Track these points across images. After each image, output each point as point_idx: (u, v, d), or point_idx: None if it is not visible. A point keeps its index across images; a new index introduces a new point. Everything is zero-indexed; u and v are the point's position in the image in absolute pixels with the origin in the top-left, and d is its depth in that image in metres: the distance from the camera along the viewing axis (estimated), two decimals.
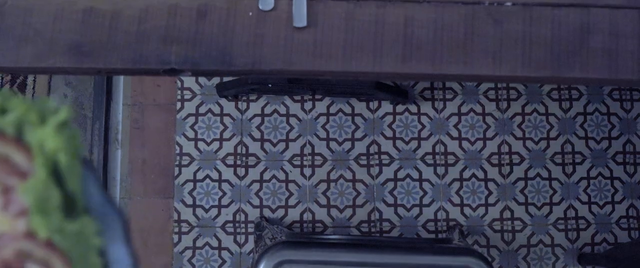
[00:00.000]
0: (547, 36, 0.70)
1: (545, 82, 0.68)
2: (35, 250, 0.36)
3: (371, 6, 0.69)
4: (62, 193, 0.36)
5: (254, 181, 1.46)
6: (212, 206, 1.45)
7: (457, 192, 1.46)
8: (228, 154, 1.46)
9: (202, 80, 1.49)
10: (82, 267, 0.36)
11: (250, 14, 0.68)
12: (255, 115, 1.47)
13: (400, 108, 1.47)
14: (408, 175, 1.46)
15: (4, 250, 0.36)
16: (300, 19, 0.68)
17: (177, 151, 1.47)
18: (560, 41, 0.70)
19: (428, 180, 1.46)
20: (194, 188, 1.46)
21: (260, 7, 0.68)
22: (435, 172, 1.46)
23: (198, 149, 1.47)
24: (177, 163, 1.46)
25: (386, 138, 1.46)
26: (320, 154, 1.45)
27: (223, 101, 1.48)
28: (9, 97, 0.36)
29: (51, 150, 0.35)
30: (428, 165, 1.46)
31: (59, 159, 0.36)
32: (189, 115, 1.48)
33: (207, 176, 1.46)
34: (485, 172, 1.46)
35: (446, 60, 0.69)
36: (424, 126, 1.47)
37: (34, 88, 1.49)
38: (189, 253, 1.44)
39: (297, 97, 1.47)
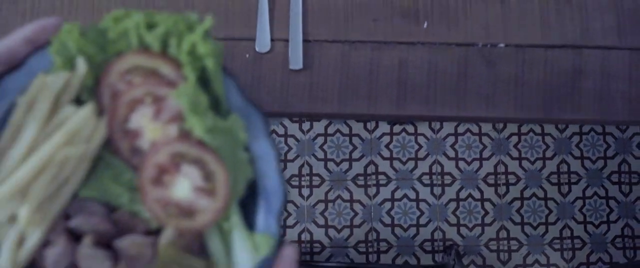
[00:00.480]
0: (540, 78, 0.71)
1: (537, 123, 0.70)
2: (188, 150, 0.38)
3: (366, 48, 0.70)
4: (209, 96, 0.39)
5: None
6: None
7: (453, 212, 1.47)
8: None
9: None
10: (231, 162, 0.39)
11: (247, 56, 0.69)
12: None
13: (397, 128, 1.48)
14: (405, 195, 1.47)
15: (158, 155, 0.38)
16: (296, 61, 0.69)
17: None
18: (553, 83, 0.71)
19: (425, 200, 1.47)
20: None
21: (257, 49, 0.69)
22: (432, 192, 1.47)
23: None
24: None
25: (383, 158, 1.47)
26: (318, 174, 1.47)
27: None
28: (154, 14, 0.39)
29: (201, 55, 0.38)
30: (425, 185, 1.47)
31: (206, 64, 0.38)
32: None
33: None
34: (481, 192, 1.47)
35: (440, 103, 0.70)
36: (420, 146, 1.48)
37: None
38: None
39: (295, 118, 1.48)
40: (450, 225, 1.47)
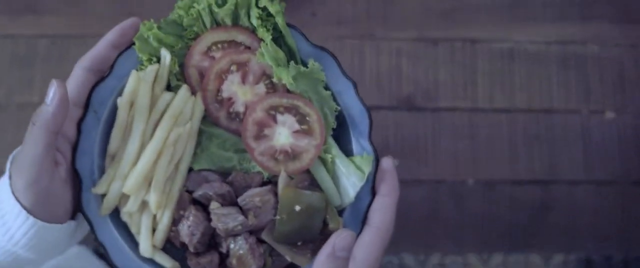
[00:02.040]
0: (507, 213, 0.73)
1: (503, 254, 0.73)
2: (279, 101, 0.44)
3: None
4: (284, 50, 0.45)
5: None
6: None
7: None
8: None
9: None
10: (318, 101, 0.45)
11: None
12: None
13: None
14: (389, 262, 1.48)
15: (255, 113, 0.44)
16: None
17: None
18: (519, 218, 0.73)
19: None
20: None
21: None
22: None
23: None
24: None
25: None
26: None
27: None
28: None
29: (273, 13, 0.44)
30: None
31: (277, 21, 0.44)
32: None
33: None
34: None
35: (408, 238, 0.71)
36: None
37: None
38: None
39: None
40: None
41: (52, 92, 0.39)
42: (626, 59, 0.77)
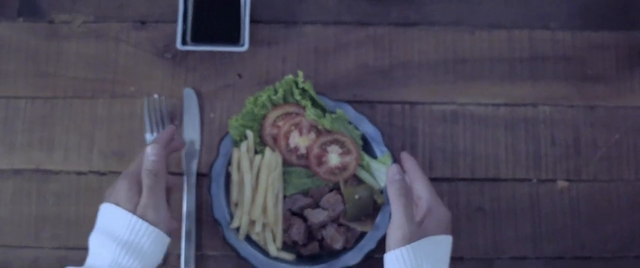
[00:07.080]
0: None
1: None
2: (326, 139, 0.70)
3: None
4: (318, 107, 0.72)
5: None
6: None
7: None
8: None
9: None
10: (348, 131, 0.71)
11: None
12: None
13: None
14: None
15: (314, 150, 0.70)
16: None
17: None
18: None
19: None
20: None
21: None
22: None
23: None
24: None
25: None
26: None
27: None
28: (273, 88, 0.72)
29: (307, 89, 0.71)
30: None
31: (310, 93, 0.71)
32: None
33: None
34: None
35: None
36: None
37: None
38: None
39: None
40: None
41: (150, 151, 0.59)
42: (581, 122, 0.76)
